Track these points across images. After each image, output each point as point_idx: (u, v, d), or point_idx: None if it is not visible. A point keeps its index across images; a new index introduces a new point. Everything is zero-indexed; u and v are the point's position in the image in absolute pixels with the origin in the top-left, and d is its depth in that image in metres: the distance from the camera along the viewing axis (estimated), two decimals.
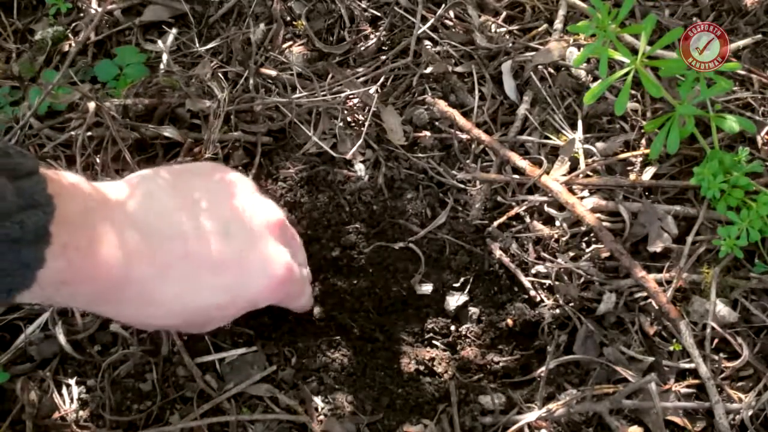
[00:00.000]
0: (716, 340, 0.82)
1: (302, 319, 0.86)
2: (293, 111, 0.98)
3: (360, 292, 0.88)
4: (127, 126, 0.97)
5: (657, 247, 0.87)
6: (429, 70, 1.03)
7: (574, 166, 0.94)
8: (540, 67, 1.01)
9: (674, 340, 0.82)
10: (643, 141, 0.95)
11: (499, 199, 0.93)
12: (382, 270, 0.89)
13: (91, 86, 1.06)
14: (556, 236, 0.89)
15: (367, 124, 0.98)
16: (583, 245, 0.89)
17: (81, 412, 0.80)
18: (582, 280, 0.86)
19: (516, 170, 0.94)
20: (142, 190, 0.67)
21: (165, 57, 1.07)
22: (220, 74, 1.04)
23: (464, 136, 0.97)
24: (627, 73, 0.88)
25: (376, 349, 0.85)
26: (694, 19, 1.05)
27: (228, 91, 0.99)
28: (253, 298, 0.72)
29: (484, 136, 0.96)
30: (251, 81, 1.03)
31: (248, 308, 0.74)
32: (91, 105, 0.97)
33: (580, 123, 0.97)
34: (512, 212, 0.91)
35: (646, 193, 0.92)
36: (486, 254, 0.89)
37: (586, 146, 0.95)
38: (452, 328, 0.87)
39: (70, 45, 1.12)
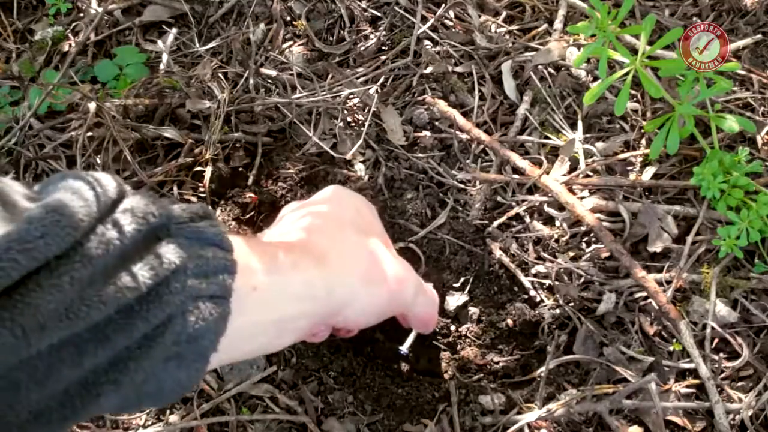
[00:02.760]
0: (716, 340, 0.82)
1: None
2: (293, 111, 0.98)
3: None
4: (127, 126, 0.97)
5: (657, 247, 0.87)
6: (429, 70, 1.03)
7: (574, 166, 0.94)
8: (540, 67, 1.01)
9: (674, 340, 0.82)
10: (643, 141, 0.95)
11: (499, 199, 0.93)
12: None
13: (91, 86, 1.06)
14: (556, 236, 0.89)
15: (367, 124, 0.98)
16: (583, 245, 0.89)
17: None
18: (582, 280, 0.86)
19: (516, 170, 0.94)
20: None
21: (165, 57, 1.07)
22: (220, 75, 1.04)
23: (464, 136, 0.97)
24: (627, 74, 0.88)
25: (375, 349, 0.85)
26: (694, 19, 1.05)
27: (228, 91, 0.99)
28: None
29: (484, 136, 0.96)
30: (251, 81, 1.03)
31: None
32: (92, 105, 0.97)
33: (580, 123, 0.97)
34: (512, 212, 0.91)
35: (646, 193, 0.92)
36: (486, 254, 0.89)
37: (586, 146, 0.95)
38: (452, 328, 0.87)
39: (70, 45, 1.12)
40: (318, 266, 0.61)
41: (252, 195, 0.93)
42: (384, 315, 0.71)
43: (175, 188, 0.94)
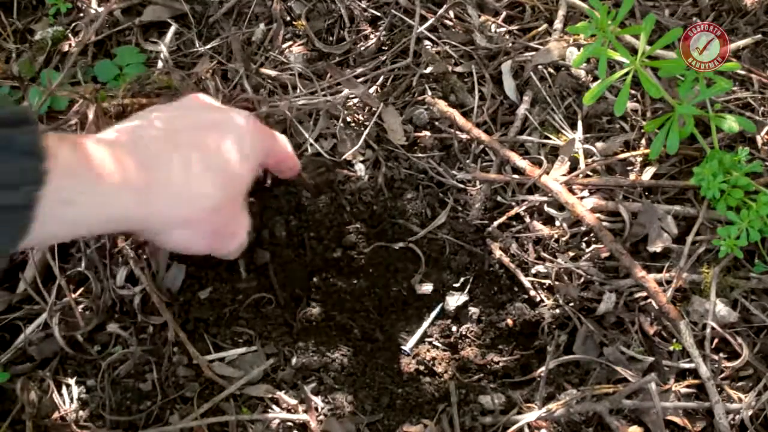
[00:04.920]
0: (716, 340, 0.82)
1: (303, 319, 0.86)
2: (293, 112, 0.98)
3: (360, 292, 0.88)
4: None
5: (657, 247, 0.87)
6: (429, 70, 1.03)
7: (574, 166, 0.94)
8: (540, 67, 1.01)
9: (674, 340, 0.82)
10: (643, 141, 0.95)
11: (499, 199, 0.93)
12: (382, 270, 0.89)
13: (93, 87, 1.06)
14: (556, 236, 0.89)
15: (368, 124, 0.98)
16: (583, 245, 0.89)
17: (81, 412, 0.80)
18: (582, 280, 0.86)
19: (516, 170, 0.94)
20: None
21: (162, 56, 1.07)
22: (218, 78, 1.03)
23: (464, 136, 0.97)
24: (627, 74, 0.88)
25: (376, 349, 0.85)
26: (694, 19, 1.05)
27: (227, 91, 0.99)
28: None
29: (484, 136, 0.96)
30: (251, 81, 1.03)
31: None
32: (91, 108, 0.96)
33: (580, 123, 0.97)
34: (512, 212, 0.91)
35: (646, 193, 0.92)
36: (486, 254, 0.89)
37: (586, 146, 0.95)
38: (453, 328, 0.87)
39: (70, 45, 1.12)
40: (141, 195, 0.62)
41: (252, 199, 0.93)
42: (209, 241, 0.73)
43: None
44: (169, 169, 0.65)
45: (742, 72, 0.99)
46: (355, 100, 1.01)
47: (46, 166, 0.51)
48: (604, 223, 0.89)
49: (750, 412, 0.76)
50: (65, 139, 0.56)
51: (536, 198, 0.92)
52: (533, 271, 0.88)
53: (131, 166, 0.62)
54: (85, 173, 0.57)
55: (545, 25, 1.06)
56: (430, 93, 1.01)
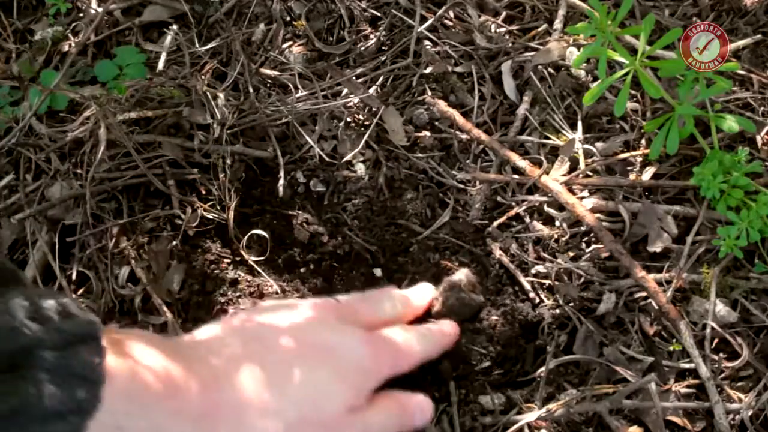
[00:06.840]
0: (716, 340, 0.82)
1: None
2: (293, 114, 0.98)
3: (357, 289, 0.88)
4: (128, 133, 0.96)
5: (657, 247, 0.87)
6: (429, 70, 1.03)
7: (573, 166, 0.94)
8: (540, 67, 1.01)
9: (674, 340, 0.82)
10: (643, 141, 0.95)
11: (499, 199, 0.93)
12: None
13: (95, 88, 1.06)
14: (556, 236, 0.89)
15: (370, 125, 0.98)
16: (583, 245, 0.89)
17: None
18: (582, 280, 0.86)
19: (516, 170, 0.94)
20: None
21: (162, 58, 1.07)
22: (217, 89, 1.03)
23: (464, 136, 0.97)
24: (626, 74, 0.88)
25: None
26: (694, 19, 1.05)
27: (231, 114, 0.98)
28: None
29: (484, 136, 0.96)
30: (251, 81, 1.02)
31: None
32: (94, 108, 0.96)
33: (579, 123, 0.97)
34: (512, 212, 0.91)
35: (646, 193, 0.92)
36: (486, 254, 0.89)
37: (586, 146, 0.95)
38: None
39: (70, 45, 1.12)
40: (199, 422, 0.54)
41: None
42: None
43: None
44: (238, 391, 0.57)
45: (742, 72, 0.99)
46: (355, 101, 1.01)
47: (101, 393, 0.46)
48: (604, 223, 0.89)
49: (750, 412, 0.76)
50: (126, 351, 0.50)
51: (536, 198, 0.92)
52: (533, 271, 0.88)
53: (195, 387, 0.55)
54: (141, 395, 0.50)
55: (545, 25, 1.06)
56: (430, 93, 1.01)
